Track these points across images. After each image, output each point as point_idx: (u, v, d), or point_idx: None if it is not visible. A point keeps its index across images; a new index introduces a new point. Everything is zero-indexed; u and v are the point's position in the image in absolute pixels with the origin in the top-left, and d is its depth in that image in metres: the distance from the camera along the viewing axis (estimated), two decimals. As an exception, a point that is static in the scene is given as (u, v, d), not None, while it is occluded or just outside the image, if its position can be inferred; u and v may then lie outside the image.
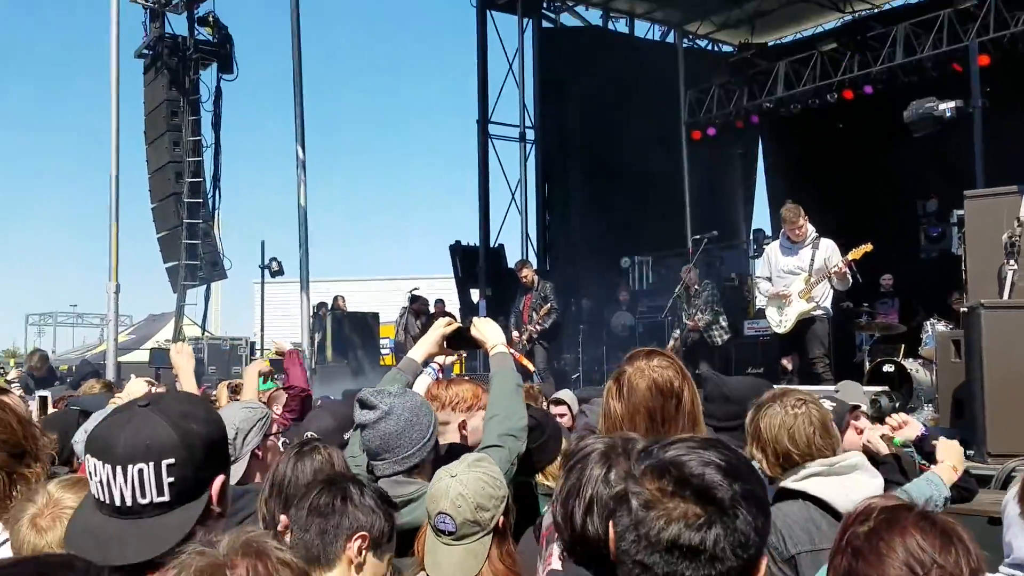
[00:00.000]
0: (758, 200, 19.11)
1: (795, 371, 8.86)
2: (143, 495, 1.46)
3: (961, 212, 7.72)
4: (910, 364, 9.28)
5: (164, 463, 1.46)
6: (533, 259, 16.62)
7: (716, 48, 19.43)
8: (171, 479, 1.47)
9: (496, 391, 2.76)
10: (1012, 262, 6.36)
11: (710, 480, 1.23)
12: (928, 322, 10.40)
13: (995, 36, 12.80)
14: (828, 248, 8.58)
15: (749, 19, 17.97)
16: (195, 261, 15.59)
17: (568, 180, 17.16)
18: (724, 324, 11.57)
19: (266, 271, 16.49)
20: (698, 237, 11.92)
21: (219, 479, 1.55)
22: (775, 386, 3.26)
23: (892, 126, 11.44)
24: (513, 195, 17.24)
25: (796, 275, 8.63)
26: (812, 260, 8.54)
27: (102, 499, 1.49)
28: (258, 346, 17.23)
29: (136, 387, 3.85)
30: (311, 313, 15.38)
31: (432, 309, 15.08)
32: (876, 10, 16.80)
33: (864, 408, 3.94)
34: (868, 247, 8.50)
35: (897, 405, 7.34)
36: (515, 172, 17.27)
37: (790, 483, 2.55)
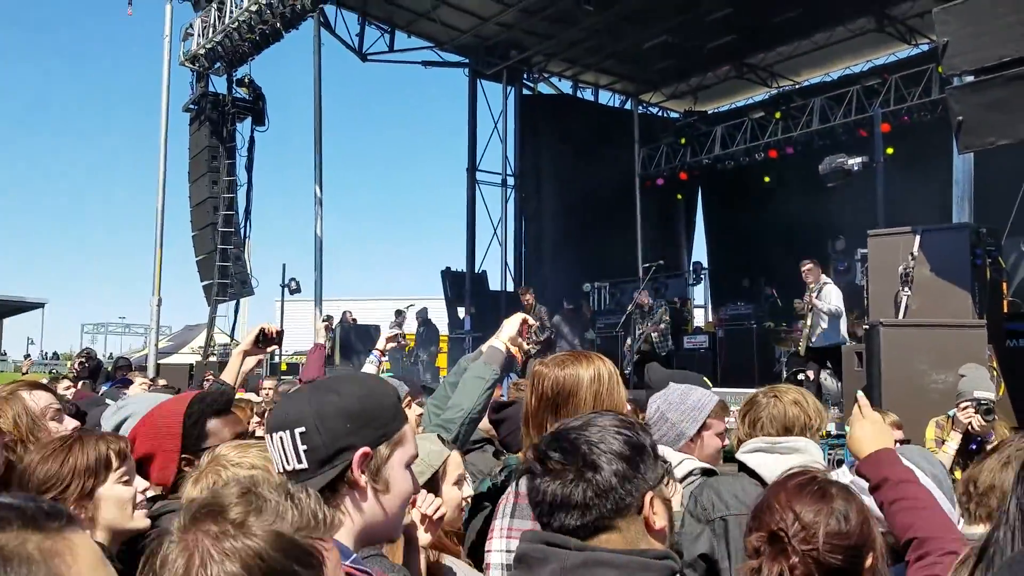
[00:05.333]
0: (697, 239, 19.35)
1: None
2: (287, 462, 1.35)
3: (864, 250, 7.75)
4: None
5: (297, 431, 1.34)
6: (510, 284, 16.60)
7: (665, 114, 19.57)
8: (304, 447, 1.34)
9: (463, 382, 2.54)
10: (906, 289, 6.39)
11: (580, 447, 1.25)
12: (836, 340, 10.38)
13: (895, 108, 12.97)
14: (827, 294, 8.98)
15: (693, 91, 18.17)
16: (227, 280, 15.43)
17: (541, 219, 17.17)
18: (668, 337, 11.64)
19: (285, 289, 16.27)
20: (648, 265, 11.91)
21: (361, 450, 1.36)
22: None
23: (809, 179, 11.50)
24: (495, 230, 17.24)
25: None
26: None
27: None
28: (278, 353, 16.94)
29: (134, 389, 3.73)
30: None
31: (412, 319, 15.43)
32: (796, 85, 17.00)
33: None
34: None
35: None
36: (497, 211, 17.33)
37: (739, 454, 2.45)
